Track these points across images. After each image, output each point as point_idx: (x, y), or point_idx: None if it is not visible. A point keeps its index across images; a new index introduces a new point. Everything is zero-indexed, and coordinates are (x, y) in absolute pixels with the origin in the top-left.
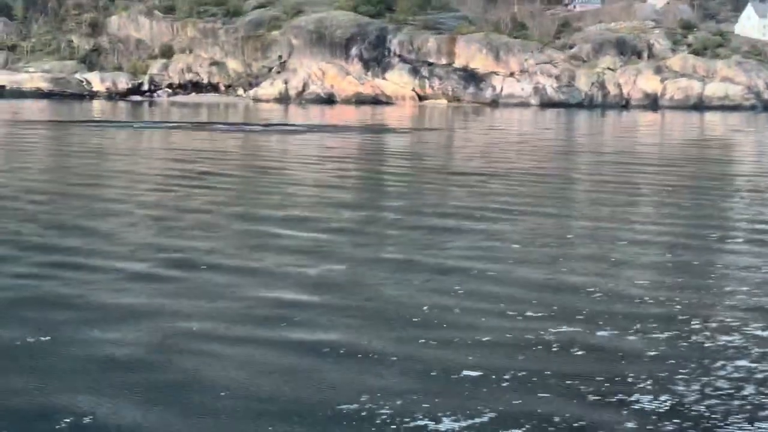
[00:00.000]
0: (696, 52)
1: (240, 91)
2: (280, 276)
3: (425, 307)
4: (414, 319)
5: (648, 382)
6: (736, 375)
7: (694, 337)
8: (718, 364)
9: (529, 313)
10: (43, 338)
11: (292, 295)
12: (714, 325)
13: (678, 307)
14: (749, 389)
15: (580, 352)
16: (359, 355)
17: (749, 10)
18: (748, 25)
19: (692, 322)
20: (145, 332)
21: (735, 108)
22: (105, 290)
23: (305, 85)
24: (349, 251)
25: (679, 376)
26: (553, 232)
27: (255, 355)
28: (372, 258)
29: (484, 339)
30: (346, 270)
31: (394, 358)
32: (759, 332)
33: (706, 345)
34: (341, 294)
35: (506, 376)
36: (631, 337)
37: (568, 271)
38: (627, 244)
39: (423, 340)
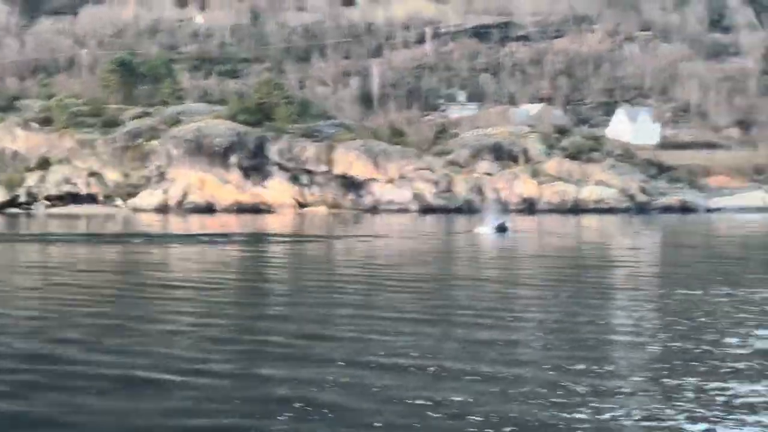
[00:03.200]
0: (571, 156)
1: (118, 202)
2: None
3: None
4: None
5: None
6: None
7: None
8: None
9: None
10: None
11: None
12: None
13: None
14: None
15: None
16: None
17: (620, 115)
18: (620, 128)
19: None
20: None
21: (610, 210)
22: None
23: (185, 195)
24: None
25: None
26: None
27: None
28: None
29: None
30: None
31: None
32: None
33: None
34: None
35: None
36: None
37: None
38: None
39: None
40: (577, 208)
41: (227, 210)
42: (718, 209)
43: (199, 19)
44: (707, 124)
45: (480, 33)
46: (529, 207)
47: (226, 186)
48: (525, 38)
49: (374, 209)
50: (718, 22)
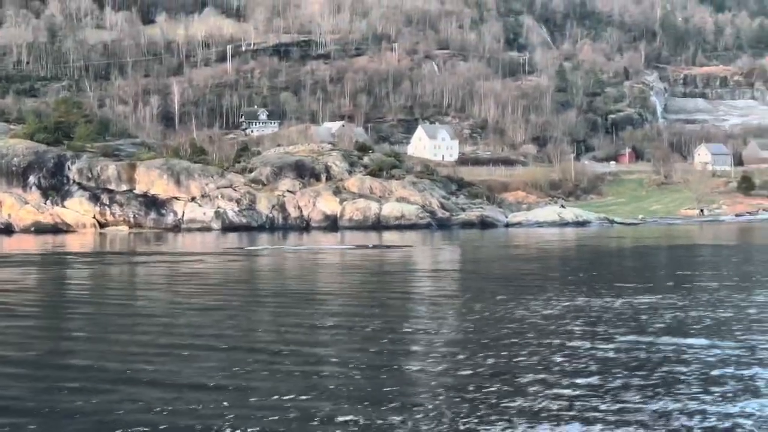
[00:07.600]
0: (372, 173)
1: None
2: None
3: None
4: None
5: None
6: None
7: None
8: None
9: None
10: None
11: None
12: None
13: None
14: None
15: None
16: None
17: (420, 132)
18: (420, 146)
19: None
20: None
21: (411, 227)
22: None
23: None
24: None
25: None
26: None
27: None
28: None
29: None
30: None
31: None
32: None
33: None
34: None
35: None
36: None
37: None
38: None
39: None
40: (379, 225)
41: (26, 230)
42: (516, 224)
43: None
44: (504, 141)
45: (280, 51)
46: (332, 224)
47: (24, 206)
48: (325, 56)
49: (176, 228)
50: (513, 40)
